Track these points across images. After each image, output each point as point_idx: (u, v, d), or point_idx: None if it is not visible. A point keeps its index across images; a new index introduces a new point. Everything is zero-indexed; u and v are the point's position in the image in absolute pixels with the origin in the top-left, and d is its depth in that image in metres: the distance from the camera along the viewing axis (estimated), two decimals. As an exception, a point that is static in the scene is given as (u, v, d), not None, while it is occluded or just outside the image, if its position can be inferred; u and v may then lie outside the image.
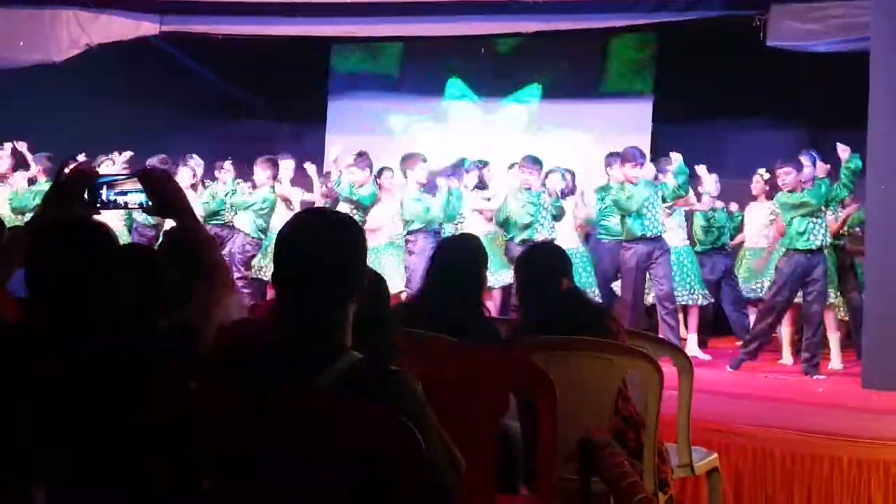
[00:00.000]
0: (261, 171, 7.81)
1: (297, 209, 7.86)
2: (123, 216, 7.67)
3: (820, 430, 4.49)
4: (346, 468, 1.59)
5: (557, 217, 7.12)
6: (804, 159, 6.55)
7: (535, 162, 7.22)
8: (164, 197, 2.13)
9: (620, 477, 2.06)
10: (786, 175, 6.33)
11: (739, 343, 7.33)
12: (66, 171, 2.24)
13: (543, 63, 9.69)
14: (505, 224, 7.27)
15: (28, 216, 7.74)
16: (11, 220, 7.33)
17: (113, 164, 7.84)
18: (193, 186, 8.05)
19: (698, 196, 7.39)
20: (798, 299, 6.45)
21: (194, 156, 8.51)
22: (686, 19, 7.37)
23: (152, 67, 9.33)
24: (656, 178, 6.99)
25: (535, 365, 2.76)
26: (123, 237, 7.65)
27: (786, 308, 6.42)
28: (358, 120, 10.22)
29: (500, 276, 7.18)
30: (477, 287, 3.35)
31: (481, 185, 7.83)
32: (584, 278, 7.12)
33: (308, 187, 8.22)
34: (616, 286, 7.21)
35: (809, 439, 4.40)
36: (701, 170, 7.16)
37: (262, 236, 7.81)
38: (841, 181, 6.26)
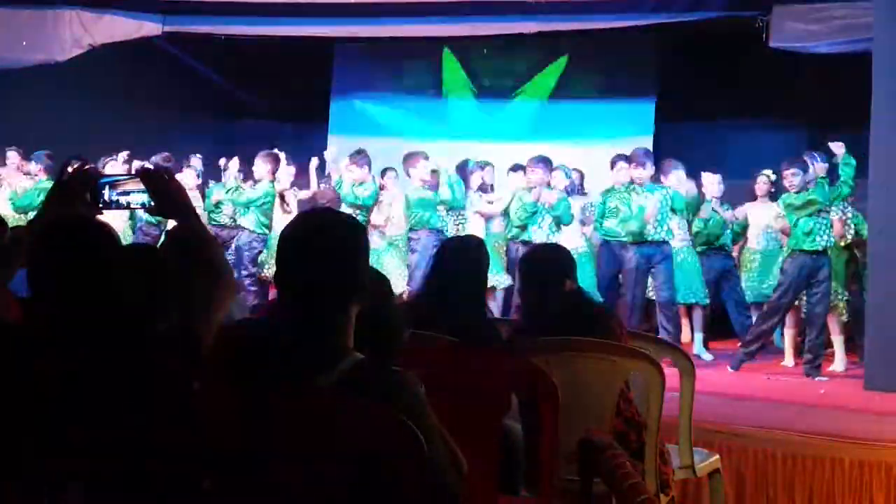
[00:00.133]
0: (261, 165, 7.78)
1: (294, 210, 7.87)
2: (128, 215, 7.67)
3: (822, 432, 4.49)
4: (347, 468, 1.59)
5: (560, 221, 7.06)
6: (807, 160, 6.55)
7: (541, 161, 7.19)
8: (167, 197, 2.13)
9: (622, 478, 2.05)
10: (793, 176, 6.32)
11: (740, 343, 7.34)
12: (69, 170, 2.24)
13: (545, 64, 9.69)
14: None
15: (31, 215, 7.76)
16: (15, 219, 7.35)
17: (116, 165, 7.84)
18: (197, 187, 8.06)
19: (702, 196, 7.38)
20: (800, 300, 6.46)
21: (198, 156, 8.52)
22: (688, 20, 7.36)
23: (154, 68, 9.34)
24: (658, 179, 6.97)
25: (537, 366, 2.76)
26: (128, 236, 7.67)
27: (789, 309, 6.42)
28: (360, 120, 10.23)
29: (498, 278, 7.18)
30: (479, 288, 3.35)
31: (484, 187, 7.83)
32: (589, 279, 7.12)
33: (306, 187, 8.23)
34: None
35: (811, 441, 4.40)
36: (707, 177, 7.15)
37: (267, 231, 7.81)
38: (842, 179, 6.25)
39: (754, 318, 6.90)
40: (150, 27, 8.21)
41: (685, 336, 7.36)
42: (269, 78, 9.76)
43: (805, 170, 6.33)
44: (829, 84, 7.67)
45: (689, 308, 7.20)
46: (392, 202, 7.84)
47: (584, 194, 7.88)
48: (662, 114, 9.25)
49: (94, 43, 8.19)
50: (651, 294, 6.94)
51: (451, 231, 7.45)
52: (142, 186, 2.16)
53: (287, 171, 8.07)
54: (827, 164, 6.58)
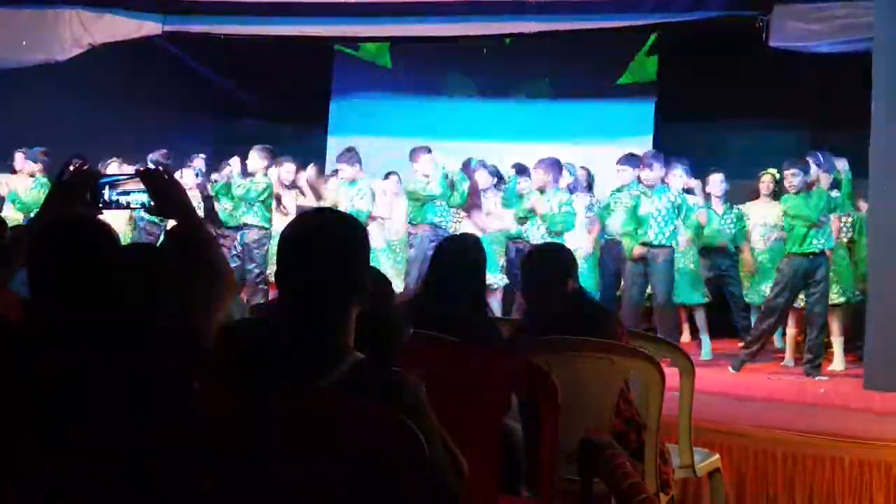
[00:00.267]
0: (258, 159, 7.79)
1: (291, 211, 7.87)
2: (129, 215, 7.67)
3: (822, 431, 4.49)
4: (347, 468, 1.59)
5: (558, 231, 7.01)
6: (810, 160, 6.54)
7: (542, 163, 7.17)
8: (166, 197, 2.13)
9: (622, 478, 2.06)
10: (793, 177, 6.32)
11: (741, 344, 7.34)
12: (69, 170, 2.24)
13: (545, 64, 9.69)
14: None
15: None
16: (15, 221, 7.36)
17: (119, 167, 7.85)
18: (197, 186, 8.05)
19: (706, 196, 7.37)
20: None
21: (202, 156, 8.53)
22: (688, 20, 7.36)
23: (154, 67, 9.34)
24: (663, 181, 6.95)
25: (537, 366, 2.76)
26: (128, 237, 7.67)
27: (787, 309, 6.41)
28: (360, 120, 10.23)
29: (497, 278, 7.18)
30: (477, 286, 3.34)
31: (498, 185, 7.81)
32: (594, 280, 7.13)
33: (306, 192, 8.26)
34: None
35: (811, 440, 4.40)
36: (713, 177, 7.14)
37: (269, 225, 7.84)
38: (844, 191, 6.27)
39: (752, 319, 6.91)
40: (150, 27, 8.21)
41: (684, 337, 7.36)
42: (269, 78, 9.77)
43: (806, 171, 6.32)
44: (829, 84, 7.68)
45: (690, 309, 7.20)
46: (392, 207, 7.85)
47: (591, 193, 7.81)
48: (662, 114, 9.25)
49: (94, 42, 8.19)
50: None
51: (451, 228, 7.43)
52: (142, 186, 2.16)
53: (287, 169, 8.07)
54: (831, 176, 6.53)
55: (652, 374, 3.12)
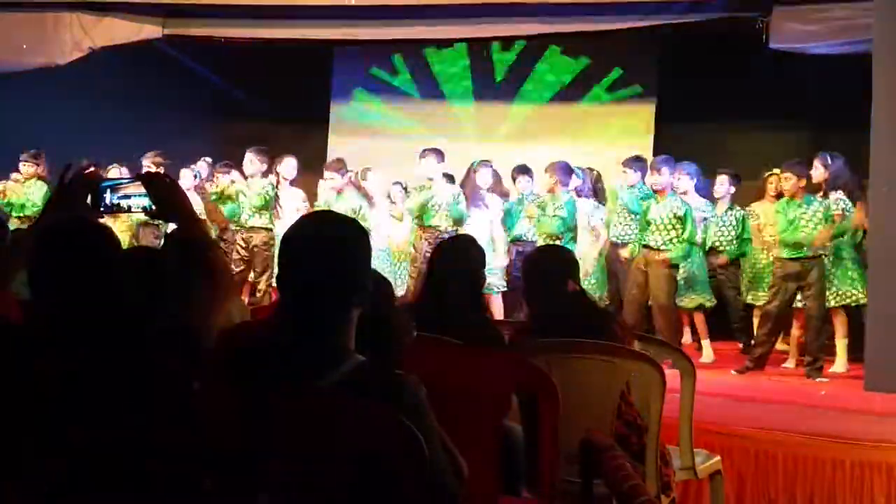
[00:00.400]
0: (257, 162, 7.81)
1: (286, 212, 7.88)
2: (129, 221, 7.68)
3: (823, 433, 4.48)
4: (347, 468, 1.59)
5: (549, 229, 6.99)
6: (818, 161, 6.52)
7: (551, 167, 7.18)
8: (167, 200, 2.13)
9: (623, 479, 2.05)
10: (786, 181, 6.34)
11: (741, 345, 7.33)
12: (71, 174, 2.25)
13: (546, 66, 9.70)
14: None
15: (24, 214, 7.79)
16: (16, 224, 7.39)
17: (119, 171, 7.86)
18: (195, 188, 8.07)
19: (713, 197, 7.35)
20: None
21: (207, 159, 8.55)
22: (688, 21, 7.36)
23: (155, 70, 9.35)
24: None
25: (537, 367, 2.76)
26: (126, 244, 7.68)
27: (782, 313, 6.40)
28: (360, 121, 10.25)
29: (496, 279, 7.18)
30: (473, 287, 3.32)
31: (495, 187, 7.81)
32: (600, 281, 7.12)
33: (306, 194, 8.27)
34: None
35: (812, 442, 4.40)
36: (720, 178, 7.13)
37: (272, 225, 7.86)
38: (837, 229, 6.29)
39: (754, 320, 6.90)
40: (150, 30, 8.21)
41: (685, 339, 7.35)
42: (269, 79, 9.77)
43: (803, 174, 6.31)
44: (829, 85, 7.67)
45: (690, 312, 7.18)
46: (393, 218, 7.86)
47: (598, 196, 7.77)
48: (662, 115, 9.25)
49: (95, 46, 8.19)
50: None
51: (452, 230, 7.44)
52: (143, 190, 2.17)
53: (288, 164, 8.05)
54: (840, 178, 6.50)
55: (652, 376, 3.12)
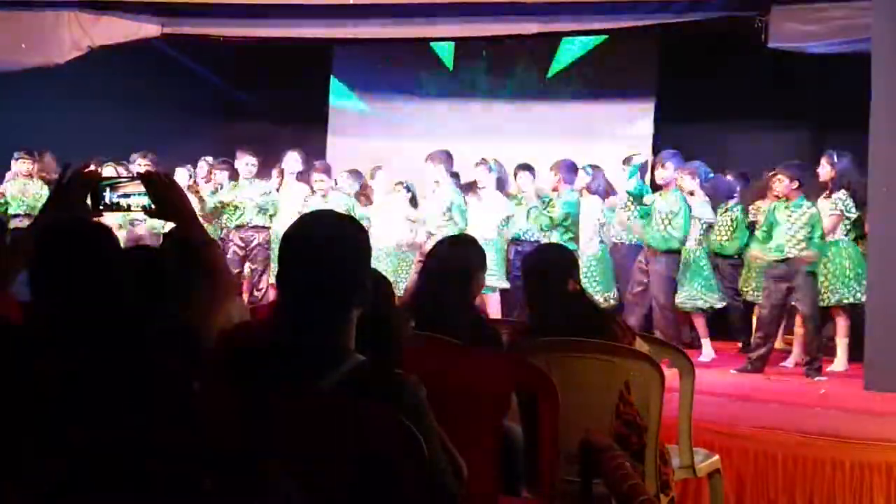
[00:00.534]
0: (252, 163, 7.87)
1: (289, 208, 7.89)
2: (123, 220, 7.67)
3: (822, 432, 4.49)
4: (347, 469, 1.59)
5: (551, 223, 7.03)
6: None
7: (565, 166, 7.17)
8: (167, 199, 2.13)
9: (622, 479, 2.05)
10: (779, 182, 6.34)
11: (740, 345, 7.34)
12: (70, 173, 2.25)
13: (545, 64, 9.70)
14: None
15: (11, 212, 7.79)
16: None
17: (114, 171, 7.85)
18: (189, 187, 8.08)
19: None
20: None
21: (208, 158, 8.55)
22: (687, 20, 7.36)
23: (154, 69, 9.34)
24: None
25: (537, 366, 2.76)
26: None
27: (774, 315, 6.40)
28: (359, 121, 10.24)
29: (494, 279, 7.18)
30: (464, 287, 3.29)
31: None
32: (606, 281, 7.12)
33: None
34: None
35: (812, 441, 4.40)
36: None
37: (271, 224, 7.92)
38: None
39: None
40: (149, 29, 8.20)
41: (684, 338, 7.35)
42: (269, 79, 9.77)
43: (795, 176, 6.30)
44: (828, 84, 7.68)
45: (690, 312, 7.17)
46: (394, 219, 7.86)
47: (606, 194, 7.72)
48: (662, 114, 9.25)
49: (93, 45, 8.18)
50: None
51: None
52: (142, 189, 2.17)
53: (291, 158, 8.04)
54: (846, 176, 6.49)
55: (651, 376, 3.12)
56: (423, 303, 3.20)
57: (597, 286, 7.12)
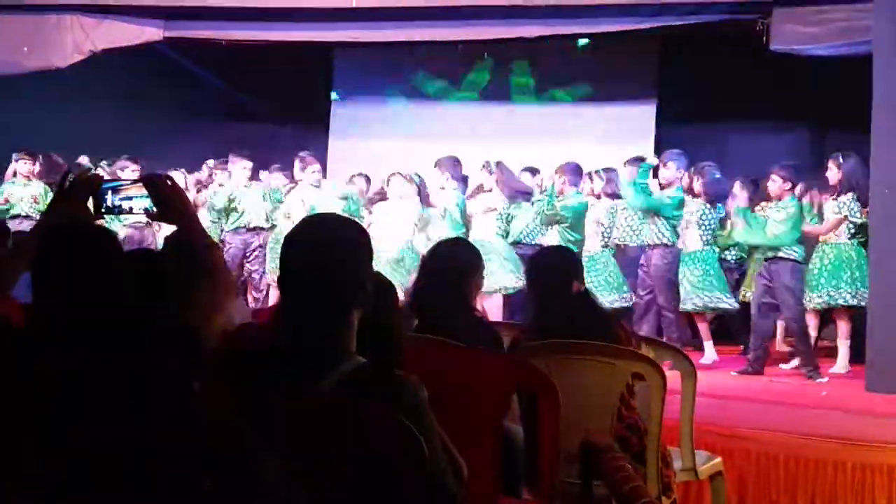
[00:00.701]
0: (249, 167, 7.89)
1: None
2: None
3: (824, 434, 4.48)
4: (347, 469, 1.59)
5: (550, 220, 7.04)
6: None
7: (570, 169, 7.18)
8: (168, 202, 2.14)
9: (623, 481, 2.05)
10: (772, 182, 6.35)
11: (742, 347, 7.33)
12: (71, 176, 2.25)
13: (546, 67, 9.71)
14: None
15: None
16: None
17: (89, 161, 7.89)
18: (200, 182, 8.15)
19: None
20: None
21: (209, 161, 8.56)
22: (689, 23, 7.37)
23: (156, 72, 9.36)
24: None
25: (537, 368, 2.76)
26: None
27: (763, 318, 6.40)
28: (360, 123, 10.25)
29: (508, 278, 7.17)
30: (464, 288, 3.28)
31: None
32: (610, 283, 7.13)
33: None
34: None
35: (813, 443, 4.40)
36: (737, 185, 7.11)
37: (269, 224, 7.98)
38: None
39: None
40: (151, 32, 8.21)
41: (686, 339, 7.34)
42: (270, 81, 9.78)
43: (788, 177, 6.32)
44: (830, 86, 7.68)
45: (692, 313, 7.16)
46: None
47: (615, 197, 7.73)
48: (663, 116, 9.26)
49: (95, 49, 8.19)
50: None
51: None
52: (144, 192, 2.18)
53: (311, 170, 8.02)
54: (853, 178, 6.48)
55: (653, 378, 3.12)
56: (420, 304, 3.20)
57: (601, 289, 7.12)
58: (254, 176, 8.16)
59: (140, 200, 2.20)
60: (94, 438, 1.28)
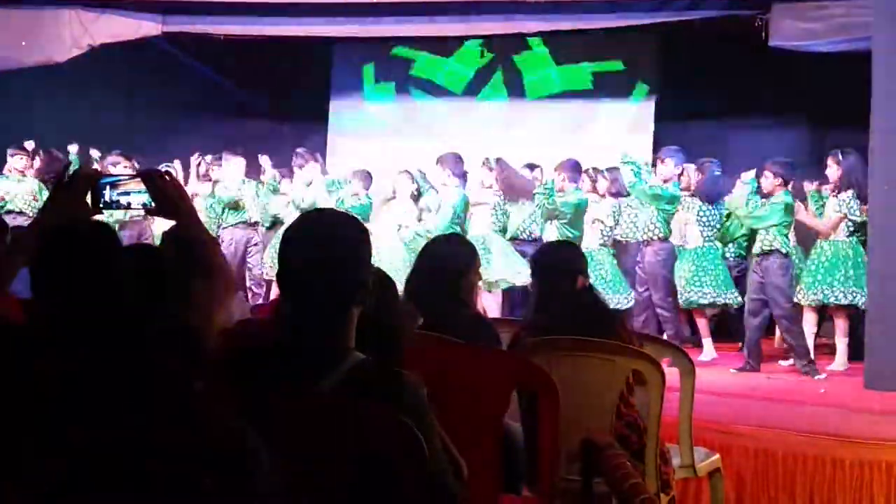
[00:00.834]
0: (242, 165, 7.90)
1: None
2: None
3: (822, 431, 4.49)
4: (347, 468, 1.59)
5: (551, 214, 7.04)
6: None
7: (569, 166, 7.18)
8: (167, 198, 2.13)
9: (623, 478, 2.06)
10: (765, 178, 6.36)
11: (740, 344, 7.33)
12: (69, 171, 2.24)
13: (545, 63, 9.70)
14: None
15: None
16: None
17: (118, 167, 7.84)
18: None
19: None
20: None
21: (207, 157, 8.55)
22: (688, 19, 7.36)
23: (154, 67, 9.34)
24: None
25: (537, 365, 2.76)
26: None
27: (756, 314, 6.40)
28: (360, 120, 10.24)
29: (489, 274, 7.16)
30: (459, 285, 3.26)
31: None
32: (607, 281, 7.13)
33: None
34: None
35: (812, 440, 4.40)
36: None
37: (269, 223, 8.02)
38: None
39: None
40: (149, 27, 8.20)
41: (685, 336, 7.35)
42: (269, 77, 9.77)
43: (779, 173, 6.31)
44: (829, 82, 7.68)
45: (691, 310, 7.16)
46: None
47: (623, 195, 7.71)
48: (662, 112, 9.25)
49: (94, 43, 8.18)
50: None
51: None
52: (142, 187, 2.17)
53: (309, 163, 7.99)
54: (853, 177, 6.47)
55: (652, 375, 3.12)
56: (417, 304, 3.18)
57: (603, 286, 7.12)
58: (249, 173, 8.14)
59: (138, 196, 2.19)
60: (94, 438, 1.28)
